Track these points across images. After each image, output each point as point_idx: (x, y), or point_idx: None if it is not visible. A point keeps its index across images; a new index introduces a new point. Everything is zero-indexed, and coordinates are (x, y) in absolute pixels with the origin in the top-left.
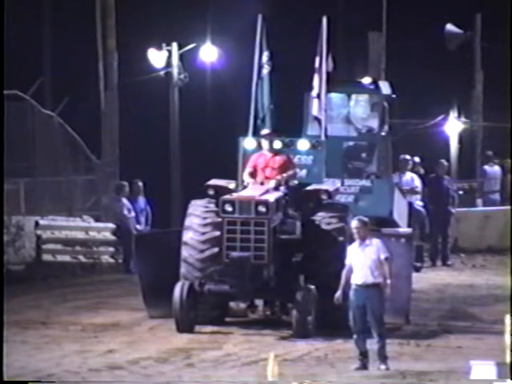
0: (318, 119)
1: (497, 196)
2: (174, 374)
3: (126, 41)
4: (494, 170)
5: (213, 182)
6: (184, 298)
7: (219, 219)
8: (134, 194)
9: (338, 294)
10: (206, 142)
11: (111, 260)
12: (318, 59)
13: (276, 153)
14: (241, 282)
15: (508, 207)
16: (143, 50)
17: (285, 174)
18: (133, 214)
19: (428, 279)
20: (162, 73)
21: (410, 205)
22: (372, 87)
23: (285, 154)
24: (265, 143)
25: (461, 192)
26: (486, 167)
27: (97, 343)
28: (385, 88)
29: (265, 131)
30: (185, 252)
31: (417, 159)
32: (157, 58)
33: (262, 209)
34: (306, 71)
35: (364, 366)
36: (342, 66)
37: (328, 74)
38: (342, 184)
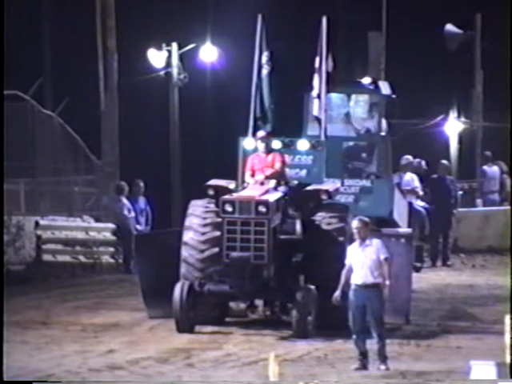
0: (318, 119)
1: (496, 196)
2: (174, 374)
3: (126, 41)
4: (493, 170)
5: (213, 182)
6: (184, 298)
7: (219, 219)
8: (134, 194)
9: (337, 293)
10: (206, 141)
11: (111, 260)
12: (317, 59)
13: (269, 152)
14: (241, 282)
15: (508, 207)
16: (143, 50)
17: (268, 173)
18: (133, 214)
19: (428, 279)
20: (161, 73)
21: (410, 205)
22: (372, 87)
23: (276, 152)
24: (260, 145)
25: (461, 192)
26: (485, 167)
27: (97, 343)
28: (384, 88)
29: (260, 133)
30: (185, 252)
31: (423, 162)
32: (157, 58)
33: (262, 209)
34: (305, 71)
35: (364, 366)
36: (341, 66)
37: (328, 74)
38: (342, 184)
